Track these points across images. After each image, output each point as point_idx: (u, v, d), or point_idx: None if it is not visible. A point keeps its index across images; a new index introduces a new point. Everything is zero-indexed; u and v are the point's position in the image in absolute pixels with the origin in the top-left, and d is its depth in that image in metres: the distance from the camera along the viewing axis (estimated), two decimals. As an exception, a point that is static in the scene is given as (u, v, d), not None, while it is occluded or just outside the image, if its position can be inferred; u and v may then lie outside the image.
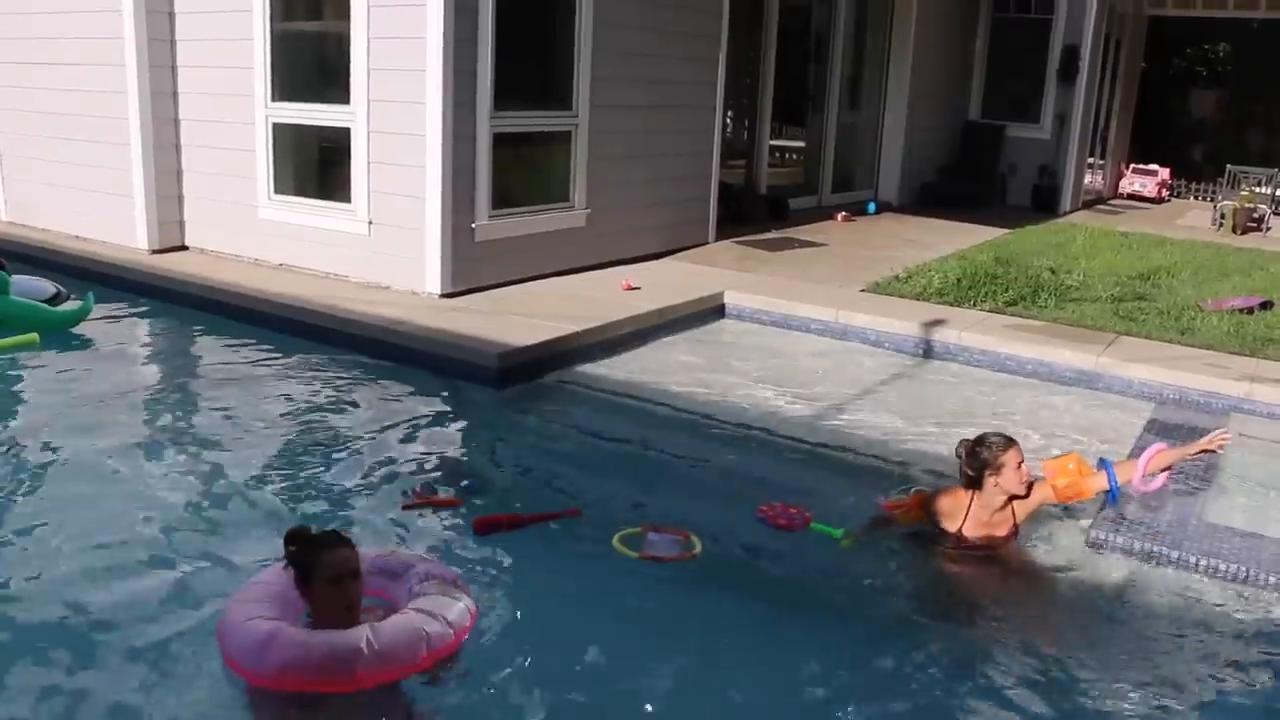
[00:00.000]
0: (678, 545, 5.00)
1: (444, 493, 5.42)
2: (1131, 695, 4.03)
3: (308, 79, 9.39)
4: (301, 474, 5.64)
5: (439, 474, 5.74)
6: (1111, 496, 5.26)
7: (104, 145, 10.13)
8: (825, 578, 4.93)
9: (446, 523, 5.10)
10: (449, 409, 6.85)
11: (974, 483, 5.04)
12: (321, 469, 5.72)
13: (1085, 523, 5.35)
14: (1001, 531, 5.09)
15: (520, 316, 8.09)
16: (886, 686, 4.04)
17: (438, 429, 6.54)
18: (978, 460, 5.01)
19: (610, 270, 9.86)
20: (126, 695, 3.67)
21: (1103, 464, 5.26)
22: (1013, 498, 5.04)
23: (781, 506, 5.35)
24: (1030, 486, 5.07)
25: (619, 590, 4.63)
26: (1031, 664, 4.22)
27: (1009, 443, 5.01)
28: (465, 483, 5.64)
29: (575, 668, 3.92)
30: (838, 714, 3.84)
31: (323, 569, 3.44)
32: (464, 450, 6.34)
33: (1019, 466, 4.97)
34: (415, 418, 6.61)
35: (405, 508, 5.20)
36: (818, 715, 3.85)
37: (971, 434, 5.17)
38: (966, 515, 5.05)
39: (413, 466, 5.81)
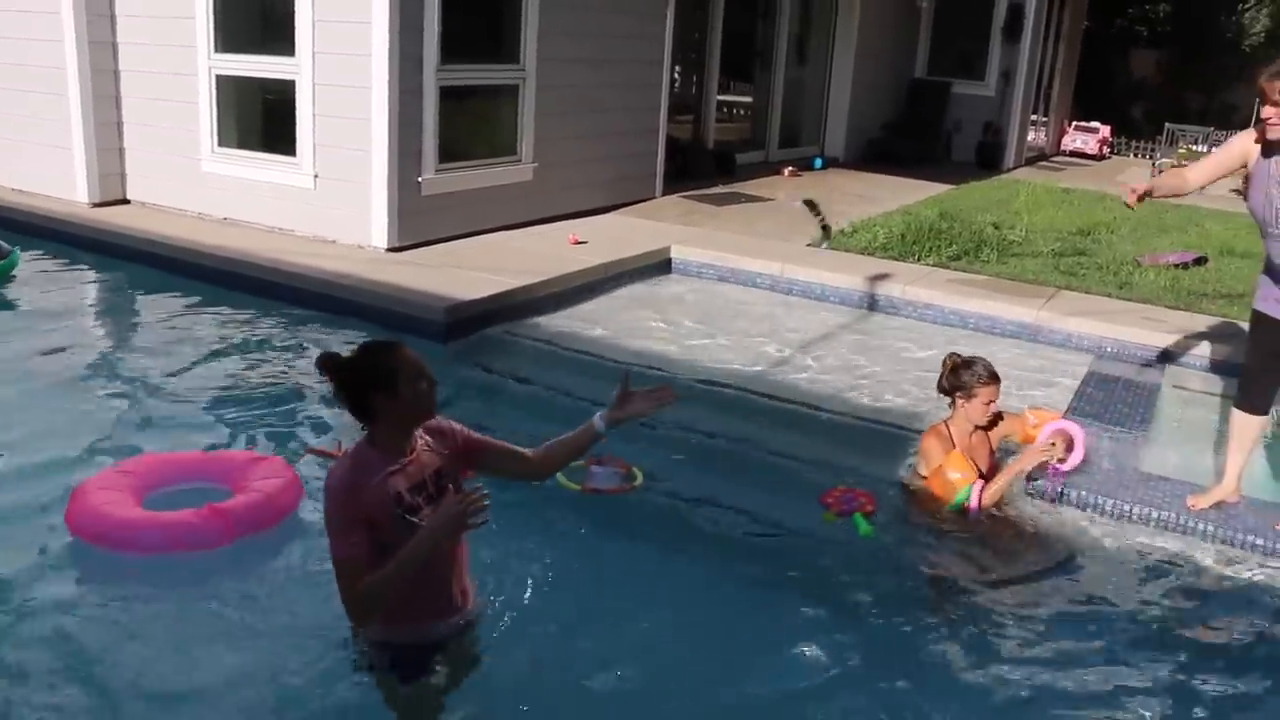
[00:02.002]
0: (619, 478, 5.11)
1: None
2: (1066, 633, 4.16)
3: (251, 30, 9.25)
4: (238, 423, 5.67)
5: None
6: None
7: (42, 96, 9.92)
8: (769, 522, 5.04)
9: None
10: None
11: (945, 394, 5.26)
12: (262, 420, 5.75)
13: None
14: (983, 456, 5.25)
15: (467, 270, 8.08)
16: (832, 630, 4.14)
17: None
18: (958, 380, 5.20)
19: (557, 224, 9.86)
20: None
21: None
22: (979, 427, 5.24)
23: (836, 493, 5.10)
24: (997, 419, 5.28)
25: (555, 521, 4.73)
26: (970, 609, 4.34)
27: (992, 379, 5.16)
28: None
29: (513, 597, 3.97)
30: (780, 654, 3.93)
31: (406, 369, 3.17)
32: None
33: (989, 404, 5.15)
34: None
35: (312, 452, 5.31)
36: (754, 655, 3.94)
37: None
38: (954, 442, 5.21)
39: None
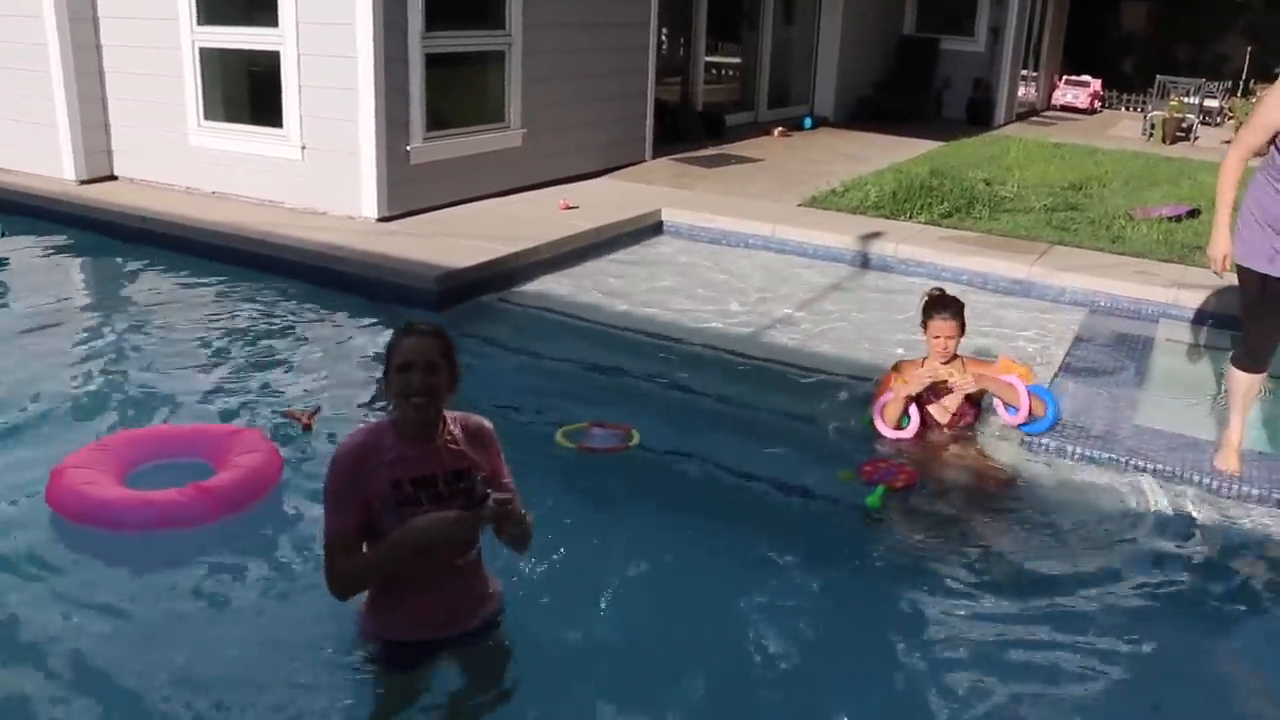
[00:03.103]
0: (616, 438, 5.13)
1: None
2: (1064, 584, 4.18)
3: (235, 1, 9.17)
4: (228, 395, 5.69)
5: (376, 398, 5.77)
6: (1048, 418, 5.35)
7: (23, 72, 9.82)
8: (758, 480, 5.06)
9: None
10: (386, 332, 6.83)
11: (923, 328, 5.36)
12: (252, 391, 5.77)
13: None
14: (946, 396, 5.31)
15: (458, 238, 8.05)
16: (827, 590, 4.16)
17: (373, 353, 6.55)
18: (922, 312, 5.35)
19: (547, 190, 9.82)
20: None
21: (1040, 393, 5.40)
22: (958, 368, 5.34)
23: (878, 465, 5.06)
24: (955, 364, 5.33)
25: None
26: (971, 561, 4.36)
27: (945, 313, 5.25)
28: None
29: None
30: (760, 612, 3.94)
31: (397, 354, 3.11)
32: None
33: (937, 339, 5.24)
34: (351, 340, 6.64)
35: (304, 426, 5.29)
36: (717, 606, 3.96)
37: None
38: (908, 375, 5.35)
39: (345, 388, 5.86)
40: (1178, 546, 4.57)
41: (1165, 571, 4.39)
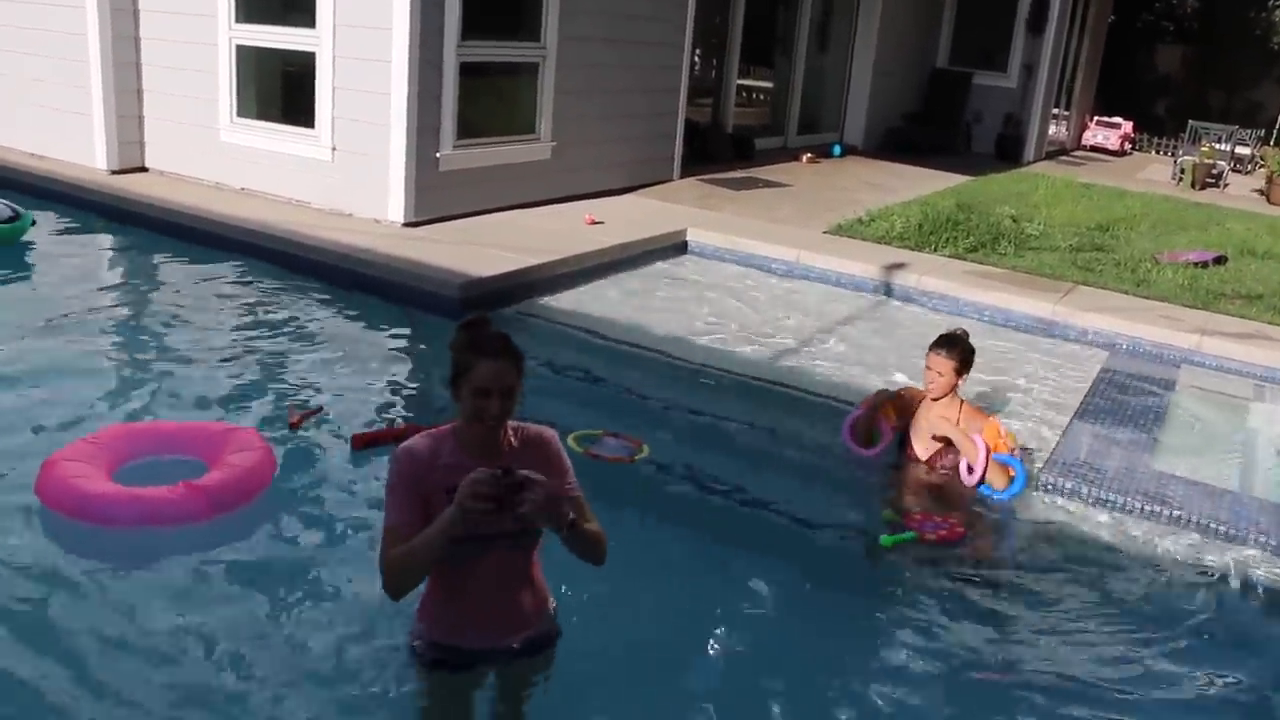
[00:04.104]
0: (626, 449, 5.14)
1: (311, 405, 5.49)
2: (1076, 631, 4.15)
3: (273, 1, 9.23)
4: (241, 389, 5.72)
5: (392, 401, 5.77)
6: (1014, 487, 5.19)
7: (63, 61, 9.92)
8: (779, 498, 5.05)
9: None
10: (406, 337, 6.85)
11: None
12: (265, 387, 5.79)
13: (1035, 469, 5.44)
14: (935, 427, 5.23)
15: (482, 247, 8.06)
16: (830, 627, 4.14)
17: (393, 356, 6.57)
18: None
19: (574, 204, 9.84)
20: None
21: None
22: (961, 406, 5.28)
23: (931, 517, 4.90)
24: (950, 404, 5.23)
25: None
26: (981, 602, 4.33)
27: (948, 353, 5.17)
28: (413, 414, 5.70)
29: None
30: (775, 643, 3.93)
31: (475, 377, 3.01)
32: (421, 379, 6.34)
33: (929, 370, 5.18)
34: (371, 344, 6.65)
35: (292, 425, 5.26)
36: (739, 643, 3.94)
37: (919, 376, 5.27)
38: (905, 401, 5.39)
39: (362, 391, 5.87)
40: (1192, 594, 4.53)
41: (1175, 622, 4.34)
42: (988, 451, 5.05)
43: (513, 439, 3.14)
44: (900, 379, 6.45)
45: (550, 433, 3.23)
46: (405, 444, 3.11)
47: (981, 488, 5.12)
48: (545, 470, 3.03)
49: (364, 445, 5.06)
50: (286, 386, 5.86)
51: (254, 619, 3.80)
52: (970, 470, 5.09)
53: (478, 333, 3.09)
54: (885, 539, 4.68)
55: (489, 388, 3.00)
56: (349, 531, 4.42)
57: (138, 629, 3.70)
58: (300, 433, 5.19)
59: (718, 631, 3.95)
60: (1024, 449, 5.52)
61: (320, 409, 5.43)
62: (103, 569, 4.03)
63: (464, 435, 3.09)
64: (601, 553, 3.15)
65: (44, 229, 8.27)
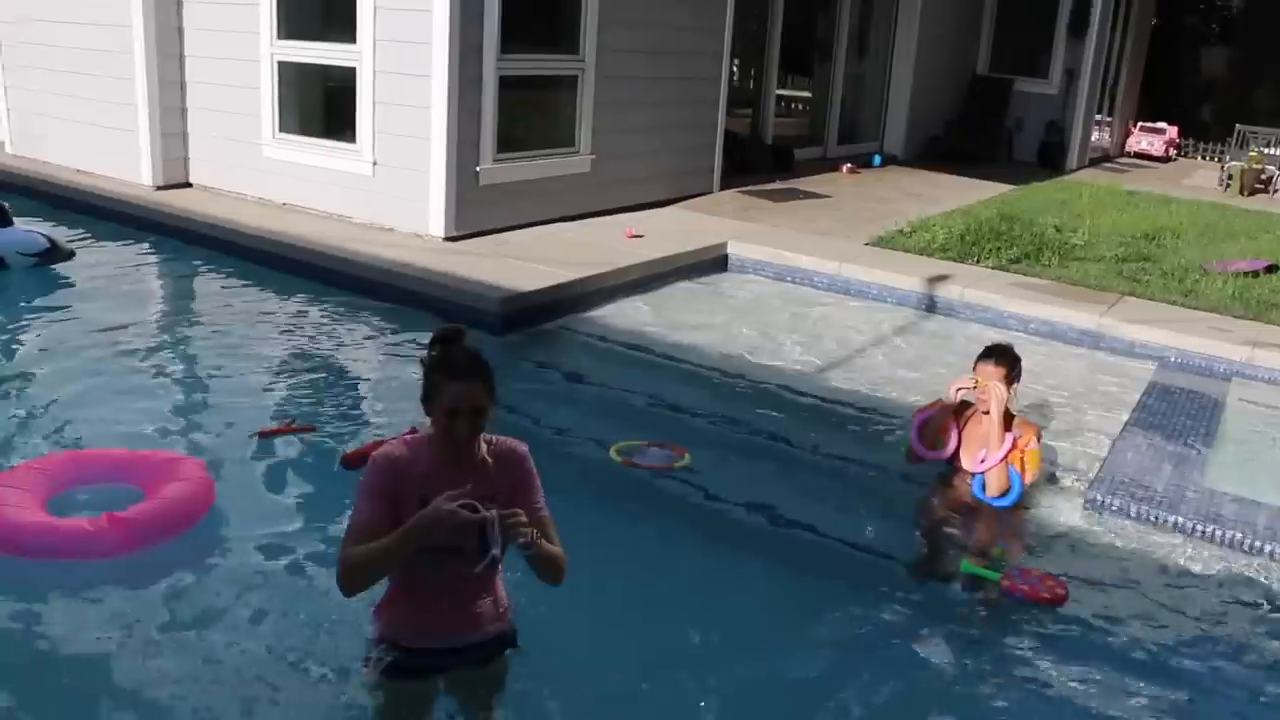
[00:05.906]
0: (667, 457, 5.14)
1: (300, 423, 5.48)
2: (1128, 652, 4.07)
3: (314, 17, 9.30)
4: (283, 405, 5.75)
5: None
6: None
7: (109, 80, 10.05)
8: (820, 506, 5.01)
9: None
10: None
11: None
12: (310, 403, 5.83)
13: (1082, 485, 5.37)
14: (980, 439, 5.14)
15: (523, 261, 8.07)
16: (873, 643, 4.09)
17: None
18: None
19: (614, 217, 9.83)
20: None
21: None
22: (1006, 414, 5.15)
23: (1036, 576, 4.56)
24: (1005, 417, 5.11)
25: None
26: (1029, 622, 4.27)
27: (997, 361, 5.11)
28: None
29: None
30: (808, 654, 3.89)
31: (445, 397, 3.07)
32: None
33: (976, 384, 5.08)
34: (410, 358, 6.64)
35: (263, 435, 5.25)
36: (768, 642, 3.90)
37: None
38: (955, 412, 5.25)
39: (399, 404, 5.86)
40: (1241, 612, 4.45)
41: (1227, 640, 4.27)
42: (1009, 452, 5.01)
43: (486, 453, 3.19)
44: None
45: (523, 448, 3.29)
46: (384, 448, 3.20)
47: (974, 484, 5.09)
48: (515, 486, 3.20)
49: (357, 464, 4.87)
50: (320, 399, 5.89)
51: (206, 644, 3.76)
52: (983, 460, 5.05)
53: (448, 351, 3.16)
54: (967, 564, 4.58)
55: (458, 408, 3.07)
56: (310, 551, 4.35)
57: (86, 655, 3.65)
58: (288, 452, 5.17)
59: (759, 650, 3.92)
60: (1052, 466, 5.46)
61: (313, 428, 5.41)
62: (33, 595, 3.95)
63: (439, 449, 3.16)
64: (560, 573, 3.21)
65: (86, 243, 8.35)
